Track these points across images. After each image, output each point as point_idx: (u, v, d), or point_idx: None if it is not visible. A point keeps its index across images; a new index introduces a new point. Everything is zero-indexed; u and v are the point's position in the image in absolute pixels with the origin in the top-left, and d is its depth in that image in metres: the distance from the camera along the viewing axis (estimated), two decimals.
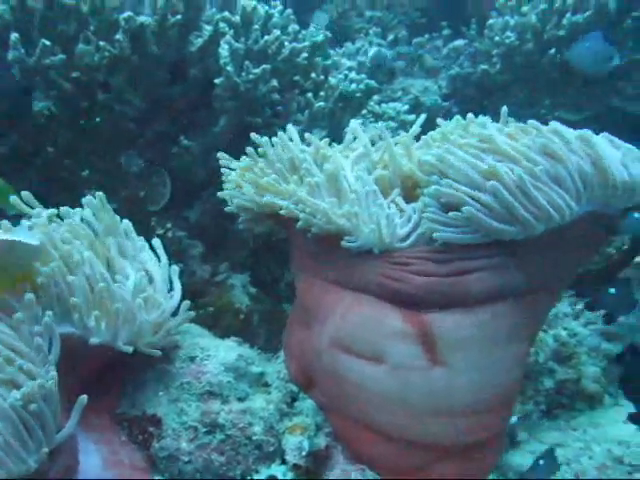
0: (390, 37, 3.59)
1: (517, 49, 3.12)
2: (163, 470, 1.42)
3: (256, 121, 2.15)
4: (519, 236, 1.30)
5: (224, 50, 2.11)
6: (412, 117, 2.91)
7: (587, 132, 1.35)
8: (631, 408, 1.70)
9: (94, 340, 1.35)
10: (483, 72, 3.27)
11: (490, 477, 1.56)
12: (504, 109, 1.50)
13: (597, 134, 1.40)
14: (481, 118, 1.48)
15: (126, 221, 1.61)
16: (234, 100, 2.13)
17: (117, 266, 1.51)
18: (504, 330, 1.38)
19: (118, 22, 1.99)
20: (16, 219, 1.49)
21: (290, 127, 1.63)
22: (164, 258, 1.59)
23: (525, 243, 1.32)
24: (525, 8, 3.09)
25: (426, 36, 3.59)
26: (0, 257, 1.32)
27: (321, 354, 1.46)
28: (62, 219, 1.54)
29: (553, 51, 3.02)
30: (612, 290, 1.74)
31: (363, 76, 2.46)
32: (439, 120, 1.56)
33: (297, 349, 1.57)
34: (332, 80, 2.33)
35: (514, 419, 1.83)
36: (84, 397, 1.26)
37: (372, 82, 2.44)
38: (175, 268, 1.59)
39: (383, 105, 2.97)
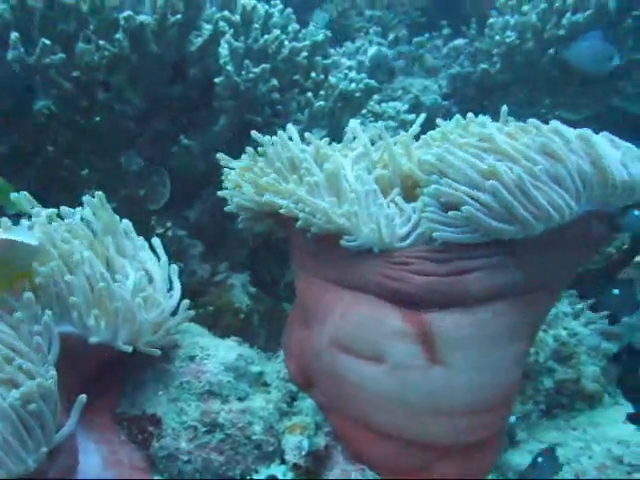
0: (390, 36, 3.58)
1: (517, 48, 3.11)
2: (162, 470, 1.42)
3: (256, 120, 2.15)
4: (518, 235, 1.30)
5: (224, 49, 2.11)
6: (412, 116, 2.91)
7: (587, 131, 1.35)
8: (630, 408, 1.71)
9: (94, 339, 1.35)
10: (483, 71, 3.26)
11: (489, 477, 1.56)
12: (504, 108, 1.49)
13: (597, 133, 1.40)
14: (481, 118, 1.48)
15: (126, 220, 1.61)
16: (234, 99, 2.13)
17: (116, 265, 1.51)
18: (503, 329, 1.38)
19: (118, 21, 1.98)
20: (16, 218, 1.49)
21: (290, 126, 1.63)
22: (164, 257, 1.59)
23: (525, 242, 1.32)
24: (525, 7, 3.09)
25: (426, 35, 3.58)
26: None
27: (320, 353, 1.46)
28: (62, 218, 1.54)
29: (553, 50, 3.02)
30: (616, 291, 1.73)
31: (363, 75, 2.45)
32: (439, 121, 1.56)
33: (297, 348, 1.57)
34: (332, 79, 2.32)
35: (513, 418, 1.83)
36: (83, 396, 1.26)
37: (372, 81, 2.44)
38: (174, 267, 1.59)
39: (383, 104, 2.97)
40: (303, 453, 1.44)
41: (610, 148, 1.37)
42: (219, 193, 1.63)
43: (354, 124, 1.64)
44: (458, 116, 1.53)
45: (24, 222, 1.47)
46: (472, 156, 1.32)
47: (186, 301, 1.53)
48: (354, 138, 1.63)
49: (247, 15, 2.16)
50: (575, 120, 2.98)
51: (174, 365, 1.51)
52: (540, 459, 1.56)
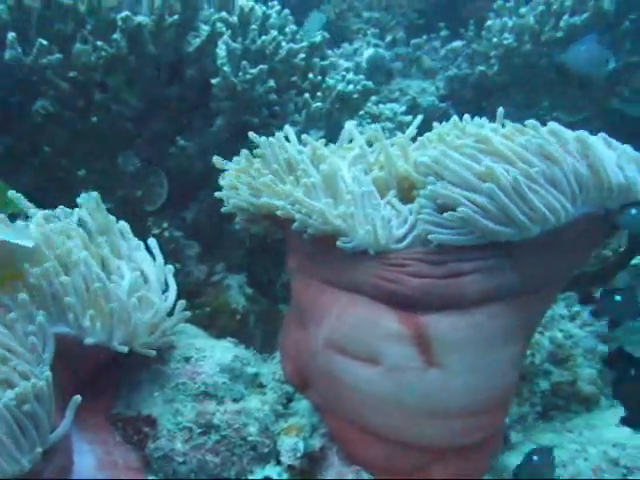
0: (388, 38, 3.58)
1: (515, 50, 3.12)
2: (157, 470, 1.41)
3: (253, 121, 2.15)
4: (515, 237, 1.30)
5: (221, 50, 2.11)
6: (409, 118, 2.91)
7: (584, 133, 1.35)
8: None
9: (89, 340, 1.35)
10: (481, 73, 3.26)
11: (485, 477, 1.56)
12: (500, 110, 1.50)
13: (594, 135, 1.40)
14: (477, 120, 1.48)
15: (122, 221, 1.61)
16: (231, 100, 2.13)
17: (112, 266, 1.51)
18: (500, 331, 1.38)
19: (115, 22, 1.98)
20: (12, 219, 1.49)
21: (287, 127, 1.63)
22: (159, 258, 1.59)
23: (521, 245, 1.32)
24: (523, 10, 3.10)
25: (424, 37, 3.58)
26: None
27: (316, 355, 1.46)
28: (59, 219, 1.54)
29: (548, 55, 3.03)
30: (617, 297, 1.74)
31: (360, 77, 2.46)
32: (435, 124, 1.56)
33: (293, 350, 1.56)
34: (330, 81, 2.33)
35: (509, 420, 1.83)
36: (78, 397, 1.26)
37: (369, 83, 2.44)
38: (170, 268, 1.58)
39: (380, 106, 2.96)
40: (298, 454, 1.44)
41: (606, 150, 1.37)
42: (216, 194, 1.63)
43: (350, 125, 1.64)
44: (455, 118, 1.53)
45: (19, 222, 1.46)
46: (468, 158, 1.32)
47: (182, 302, 1.53)
48: (350, 140, 1.63)
49: (245, 16, 2.16)
50: (573, 122, 2.99)
51: (170, 366, 1.50)
52: (536, 457, 1.56)
